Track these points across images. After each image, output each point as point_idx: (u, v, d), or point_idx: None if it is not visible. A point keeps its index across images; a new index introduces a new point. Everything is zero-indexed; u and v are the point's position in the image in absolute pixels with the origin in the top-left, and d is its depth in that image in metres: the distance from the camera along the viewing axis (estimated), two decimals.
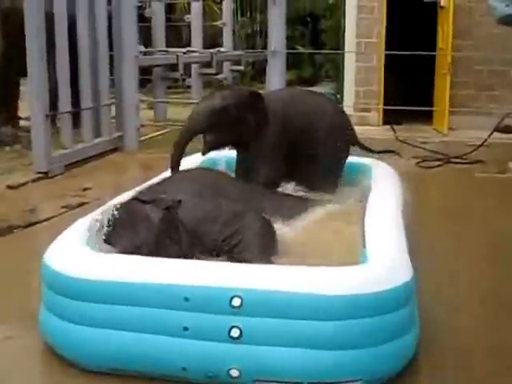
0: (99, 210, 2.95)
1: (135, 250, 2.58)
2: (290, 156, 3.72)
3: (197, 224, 2.84)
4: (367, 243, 2.65)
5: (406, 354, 2.35)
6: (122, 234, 2.70)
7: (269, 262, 2.73)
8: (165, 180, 3.44)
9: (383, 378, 2.26)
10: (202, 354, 2.19)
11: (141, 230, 2.72)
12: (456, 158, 6.57)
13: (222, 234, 2.85)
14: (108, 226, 2.74)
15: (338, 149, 3.88)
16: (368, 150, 4.20)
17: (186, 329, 2.19)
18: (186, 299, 2.19)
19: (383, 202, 3.30)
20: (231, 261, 2.69)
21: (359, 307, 2.18)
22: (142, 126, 8.02)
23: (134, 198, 2.90)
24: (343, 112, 4.25)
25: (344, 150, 3.96)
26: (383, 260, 2.44)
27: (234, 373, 2.17)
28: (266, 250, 2.87)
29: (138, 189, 3.46)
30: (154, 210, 2.78)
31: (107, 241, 2.70)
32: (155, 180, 3.66)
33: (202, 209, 2.93)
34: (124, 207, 2.83)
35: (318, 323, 2.15)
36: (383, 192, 3.49)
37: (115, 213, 2.78)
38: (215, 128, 3.62)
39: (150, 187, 3.30)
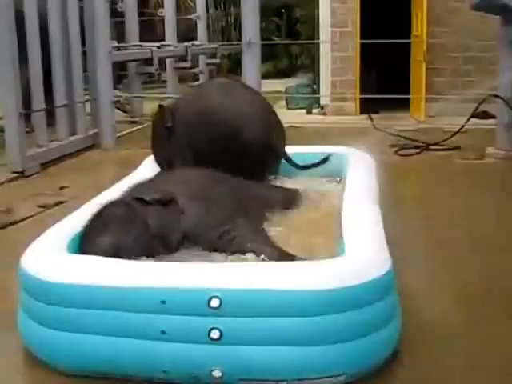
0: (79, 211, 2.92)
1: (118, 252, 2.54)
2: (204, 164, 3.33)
3: (192, 224, 2.81)
4: (344, 235, 2.62)
5: (389, 345, 2.32)
6: (112, 231, 2.66)
7: (273, 247, 2.74)
8: (152, 179, 3.40)
9: (367, 371, 2.23)
10: (183, 356, 2.14)
11: (134, 230, 2.69)
12: (434, 144, 6.57)
13: (216, 232, 2.81)
14: (98, 221, 2.72)
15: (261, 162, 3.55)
16: (295, 166, 3.74)
17: (163, 332, 2.15)
18: (163, 302, 2.15)
19: (360, 191, 3.27)
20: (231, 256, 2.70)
21: (338, 301, 2.15)
22: (118, 122, 7.96)
23: (135, 198, 2.84)
24: (269, 115, 3.68)
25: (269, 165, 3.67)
26: (361, 252, 2.41)
27: (217, 373, 2.13)
28: (265, 237, 2.86)
29: (117, 186, 3.42)
30: (153, 210, 2.76)
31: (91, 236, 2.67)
32: (134, 178, 3.62)
33: (197, 209, 2.88)
34: (121, 205, 2.80)
35: (297, 319, 2.11)
36: (360, 182, 3.46)
37: (110, 209, 2.76)
38: None
39: (139, 185, 3.25)
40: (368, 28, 9.03)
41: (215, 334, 2.11)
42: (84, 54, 7.29)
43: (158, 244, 2.71)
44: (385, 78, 9.24)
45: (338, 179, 3.85)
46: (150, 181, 3.31)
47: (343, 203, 3.07)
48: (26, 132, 6.16)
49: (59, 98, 6.79)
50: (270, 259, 2.61)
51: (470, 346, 2.48)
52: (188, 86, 8.58)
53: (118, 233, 2.66)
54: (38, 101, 6.38)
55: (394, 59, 9.39)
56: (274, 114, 3.74)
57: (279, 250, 2.73)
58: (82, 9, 7.24)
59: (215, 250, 2.79)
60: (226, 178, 3.29)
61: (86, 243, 2.67)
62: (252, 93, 3.87)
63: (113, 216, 2.74)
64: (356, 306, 2.18)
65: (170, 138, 3.65)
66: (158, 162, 3.79)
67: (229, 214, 2.92)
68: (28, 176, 5.83)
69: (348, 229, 2.68)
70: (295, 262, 2.38)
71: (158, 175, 3.54)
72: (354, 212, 2.91)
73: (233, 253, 2.74)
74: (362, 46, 9.07)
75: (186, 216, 2.83)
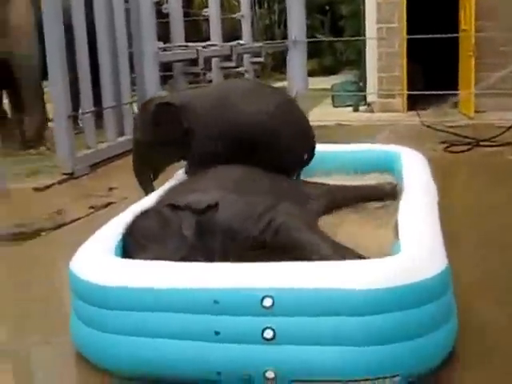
0: (126, 214, 2.91)
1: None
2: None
3: (232, 223, 2.67)
4: (400, 232, 2.58)
5: (445, 346, 2.28)
6: (149, 248, 2.57)
7: (321, 234, 2.67)
8: (191, 179, 3.37)
9: (422, 372, 2.18)
10: (236, 357, 2.13)
11: (171, 244, 2.58)
12: (485, 141, 6.45)
13: (256, 228, 2.67)
14: (132, 238, 2.66)
15: (289, 160, 3.44)
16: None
17: (217, 333, 2.14)
18: (216, 302, 2.14)
19: (416, 189, 3.23)
20: (276, 250, 2.57)
21: (393, 300, 2.11)
22: None
23: (168, 205, 2.72)
24: (296, 110, 3.59)
25: (298, 160, 3.53)
26: (417, 250, 2.37)
27: (270, 374, 2.11)
28: (310, 226, 2.75)
29: (165, 187, 3.42)
30: (188, 217, 2.63)
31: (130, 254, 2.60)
32: (179, 177, 3.62)
33: (236, 206, 2.78)
34: (153, 216, 2.71)
35: (352, 319, 2.08)
36: (416, 180, 3.42)
37: (143, 222, 2.69)
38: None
39: (179, 187, 3.23)
40: (415, 23, 8.92)
41: (269, 334, 2.09)
42: (131, 55, 7.35)
43: (197, 253, 2.57)
44: (432, 74, 9.12)
45: (391, 177, 3.81)
46: (183, 184, 3.27)
47: (400, 201, 3.03)
48: (75, 133, 6.23)
49: (107, 99, 6.86)
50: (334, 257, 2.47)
51: None
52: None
53: (155, 249, 2.56)
54: (87, 103, 6.45)
55: (441, 54, 9.26)
56: (300, 111, 3.63)
57: (339, 247, 2.60)
58: (128, 11, 7.31)
59: (257, 247, 2.67)
60: (262, 173, 3.23)
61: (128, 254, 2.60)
62: (277, 92, 3.80)
63: (146, 229, 2.65)
64: (411, 305, 2.14)
65: (184, 140, 3.41)
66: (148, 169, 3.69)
67: (267, 205, 2.79)
68: (77, 177, 5.90)
69: (404, 226, 2.64)
70: (348, 261, 2.33)
71: (191, 176, 3.46)
72: (411, 210, 2.87)
73: (279, 247, 2.61)
74: (409, 41, 8.96)
75: (222, 213, 2.68)
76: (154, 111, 3.40)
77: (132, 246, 2.64)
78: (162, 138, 3.40)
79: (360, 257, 2.51)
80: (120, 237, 2.70)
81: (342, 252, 2.55)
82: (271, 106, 3.37)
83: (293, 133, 3.40)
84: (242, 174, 3.20)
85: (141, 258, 2.50)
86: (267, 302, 2.10)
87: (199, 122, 3.36)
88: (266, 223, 2.67)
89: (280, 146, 3.33)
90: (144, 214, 2.74)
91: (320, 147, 3.77)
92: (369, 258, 2.46)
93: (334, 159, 4.01)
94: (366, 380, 2.11)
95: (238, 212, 2.73)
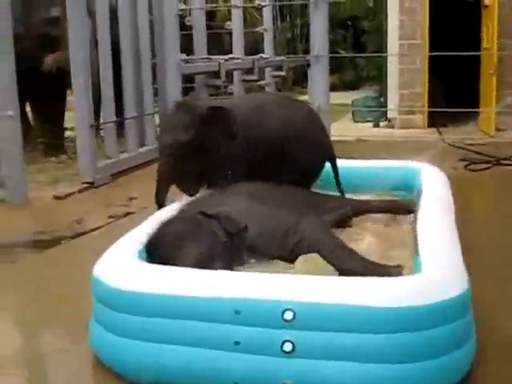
0: (148, 223, 2.93)
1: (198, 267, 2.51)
2: (257, 172, 3.48)
3: (261, 244, 2.77)
4: (421, 251, 2.58)
5: (464, 365, 2.27)
6: (185, 246, 2.64)
7: (349, 251, 2.71)
8: (213, 193, 3.40)
9: None
10: (255, 368, 2.14)
11: (205, 242, 2.67)
12: (506, 159, 6.42)
13: (288, 246, 2.78)
14: (166, 240, 2.70)
15: (309, 165, 3.71)
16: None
17: (237, 343, 2.15)
18: (237, 312, 2.15)
19: (435, 207, 3.22)
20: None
21: (415, 319, 2.12)
22: None
23: (199, 212, 2.83)
24: (318, 121, 3.97)
25: (317, 164, 3.80)
26: (438, 270, 2.37)
27: None
28: (337, 243, 2.81)
29: (185, 200, 3.44)
30: (219, 227, 2.73)
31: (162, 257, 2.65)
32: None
33: (264, 224, 2.86)
34: (185, 221, 2.78)
35: (373, 336, 2.09)
36: (435, 197, 3.41)
37: (175, 226, 2.74)
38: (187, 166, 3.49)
39: (201, 201, 3.26)
40: (437, 40, 8.92)
41: (288, 347, 2.10)
42: (153, 66, 7.40)
43: (228, 252, 2.70)
44: (453, 91, 9.09)
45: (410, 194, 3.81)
46: (205, 198, 3.33)
47: (418, 218, 3.03)
48: (96, 143, 6.27)
49: (129, 110, 6.91)
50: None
51: None
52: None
53: (190, 246, 2.65)
54: (109, 113, 6.50)
55: (462, 72, 9.24)
56: (322, 122, 4.02)
57: (367, 262, 2.67)
58: (152, 22, 7.37)
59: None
60: (287, 189, 3.36)
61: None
62: (303, 104, 4.24)
63: (180, 231, 2.73)
64: (431, 324, 2.14)
65: (227, 144, 3.50)
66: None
67: (293, 222, 2.87)
68: (98, 186, 5.93)
69: (425, 245, 2.64)
70: (373, 278, 2.34)
71: (213, 191, 3.50)
72: (431, 228, 2.87)
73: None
74: (431, 58, 8.94)
75: (251, 232, 2.79)
76: (207, 113, 3.47)
77: (165, 247, 2.68)
78: (209, 139, 3.47)
79: (392, 271, 2.56)
80: (145, 243, 2.73)
81: (373, 268, 2.62)
82: (300, 115, 3.78)
83: (315, 140, 3.77)
84: (263, 187, 3.28)
85: (176, 258, 2.56)
86: (288, 315, 2.10)
87: (240, 127, 3.51)
88: (295, 243, 2.78)
89: (304, 151, 3.64)
90: (175, 220, 2.82)
91: (340, 162, 3.82)
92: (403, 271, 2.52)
93: (354, 175, 4.03)
94: None
95: (266, 231, 2.82)
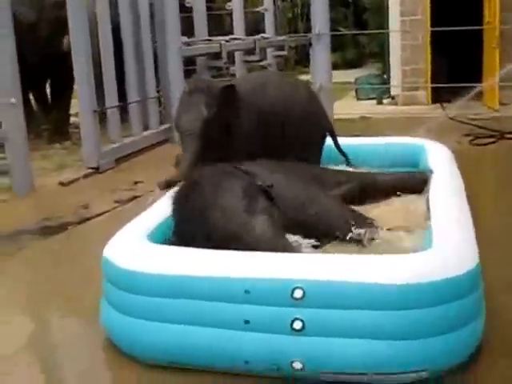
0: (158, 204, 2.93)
1: None
2: (264, 147, 3.55)
3: (289, 206, 2.83)
4: (432, 227, 2.58)
5: (472, 342, 2.28)
6: (220, 196, 2.64)
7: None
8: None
9: (449, 368, 2.18)
10: (265, 346, 2.16)
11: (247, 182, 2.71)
12: (510, 133, 6.40)
13: (305, 214, 2.89)
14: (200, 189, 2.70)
15: (312, 137, 3.82)
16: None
17: (247, 322, 2.16)
18: (247, 292, 2.16)
19: (446, 184, 3.22)
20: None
21: (424, 296, 2.12)
22: None
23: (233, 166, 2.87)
24: (316, 98, 4.10)
25: (318, 138, 3.90)
26: (448, 246, 2.37)
27: (298, 365, 2.13)
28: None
29: None
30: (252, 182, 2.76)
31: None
32: None
33: (291, 191, 2.96)
34: (218, 169, 2.80)
35: (382, 313, 2.09)
36: (444, 174, 3.41)
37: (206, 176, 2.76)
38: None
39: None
40: (439, 15, 8.86)
41: (298, 325, 2.11)
42: (155, 50, 7.37)
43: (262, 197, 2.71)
44: (456, 66, 9.04)
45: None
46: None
47: (430, 195, 3.03)
48: (100, 128, 6.26)
49: (132, 94, 6.90)
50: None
51: None
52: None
53: (237, 183, 2.68)
54: (112, 98, 6.48)
55: (465, 46, 9.18)
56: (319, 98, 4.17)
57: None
58: (151, 5, 7.33)
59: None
60: (292, 165, 3.41)
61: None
62: (301, 82, 4.37)
63: (214, 180, 2.72)
64: (441, 301, 2.14)
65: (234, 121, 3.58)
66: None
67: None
68: (103, 172, 5.94)
69: (436, 221, 2.64)
70: (382, 255, 2.33)
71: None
72: (442, 205, 2.87)
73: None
74: (433, 33, 8.89)
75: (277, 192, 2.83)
76: (221, 92, 3.53)
77: (202, 193, 2.66)
78: (227, 117, 3.54)
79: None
80: (155, 225, 2.74)
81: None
82: (299, 92, 3.88)
83: (315, 114, 3.88)
84: (272, 163, 3.32)
85: (218, 196, 2.59)
86: (298, 294, 2.11)
87: (244, 104, 3.58)
88: (313, 214, 2.90)
89: (305, 125, 3.73)
90: (205, 171, 2.82)
91: (344, 140, 3.82)
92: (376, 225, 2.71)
93: (360, 152, 4.02)
94: (394, 374, 2.12)
95: (289, 196, 2.92)
